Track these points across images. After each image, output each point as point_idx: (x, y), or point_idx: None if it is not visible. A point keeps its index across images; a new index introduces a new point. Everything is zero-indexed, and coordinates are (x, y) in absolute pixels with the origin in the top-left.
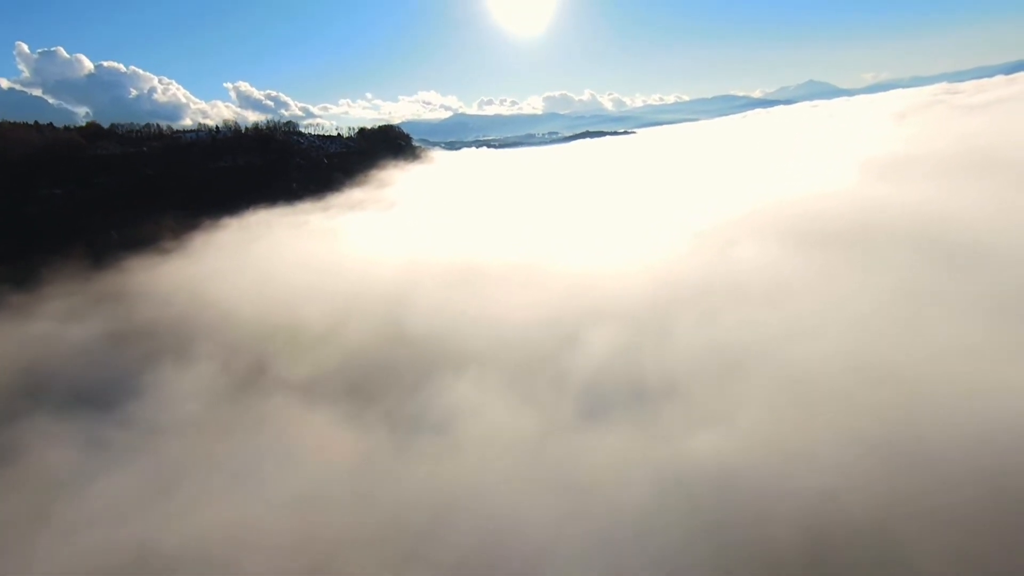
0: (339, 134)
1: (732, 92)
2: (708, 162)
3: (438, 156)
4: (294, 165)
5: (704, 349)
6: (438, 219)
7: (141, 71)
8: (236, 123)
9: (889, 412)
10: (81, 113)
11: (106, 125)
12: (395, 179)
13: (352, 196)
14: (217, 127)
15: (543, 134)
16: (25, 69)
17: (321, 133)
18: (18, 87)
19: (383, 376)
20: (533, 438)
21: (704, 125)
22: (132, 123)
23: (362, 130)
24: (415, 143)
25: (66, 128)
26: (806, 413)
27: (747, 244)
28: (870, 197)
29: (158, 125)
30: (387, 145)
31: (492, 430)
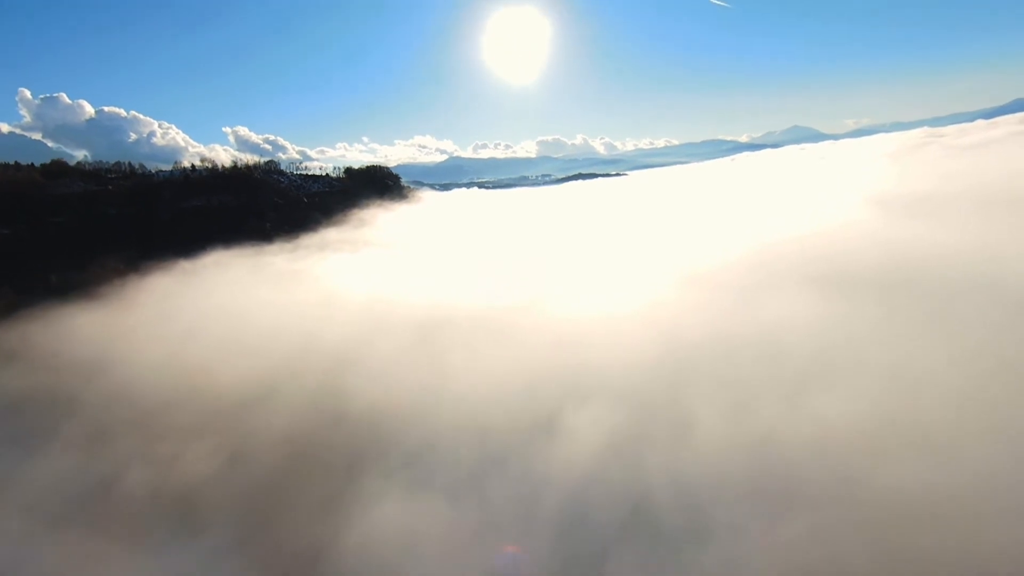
0: (325, 174)
1: (720, 136)
2: (706, 202)
3: (427, 196)
4: (271, 204)
5: (741, 456)
6: (413, 261)
7: (141, 116)
8: (213, 162)
9: None
10: (79, 156)
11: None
12: (376, 219)
13: (327, 236)
14: (193, 165)
15: (536, 176)
16: (27, 114)
17: (306, 173)
18: (18, 131)
19: (287, 484)
20: None
21: (695, 167)
22: (101, 161)
23: (348, 170)
24: (404, 183)
25: (18, 165)
26: None
27: (771, 292)
28: (902, 236)
29: (129, 163)
30: (373, 185)
31: None
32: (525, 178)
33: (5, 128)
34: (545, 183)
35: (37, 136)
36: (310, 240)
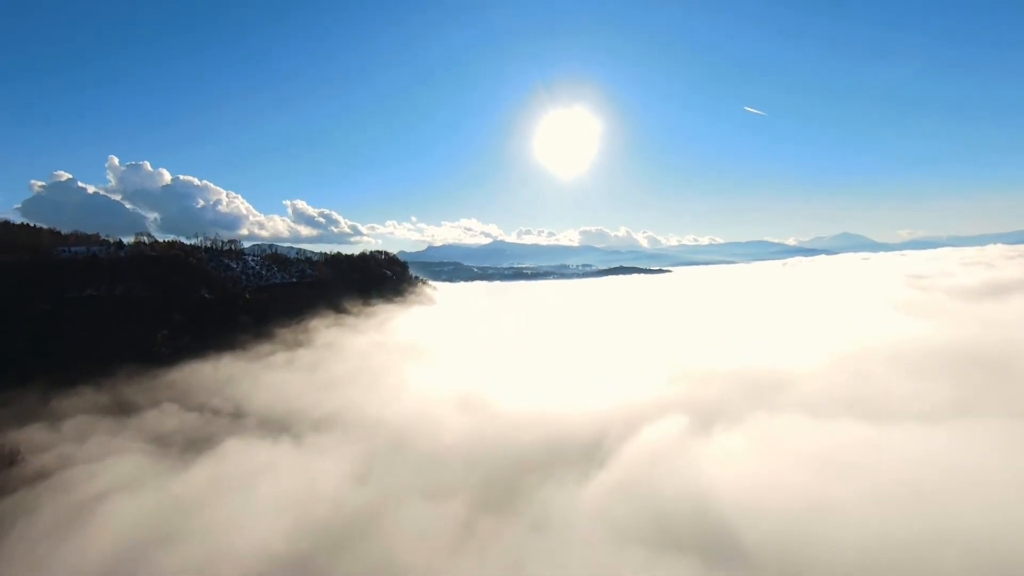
0: (297, 258)
1: (766, 238)
2: (785, 311)
3: (439, 294)
4: (191, 300)
5: None
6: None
7: (212, 185)
8: (149, 235)
9: None
10: (151, 218)
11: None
12: (321, 337)
13: (196, 375)
14: (120, 241)
15: (577, 266)
16: (112, 178)
17: (275, 254)
18: (102, 192)
19: None
20: None
21: (746, 268)
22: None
23: (337, 256)
24: (414, 275)
25: None
26: None
27: None
28: None
29: (37, 233)
30: (363, 277)
31: None
32: (566, 267)
33: (91, 189)
34: (586, 274)
35: (117, 198)
36: (183, 377)
